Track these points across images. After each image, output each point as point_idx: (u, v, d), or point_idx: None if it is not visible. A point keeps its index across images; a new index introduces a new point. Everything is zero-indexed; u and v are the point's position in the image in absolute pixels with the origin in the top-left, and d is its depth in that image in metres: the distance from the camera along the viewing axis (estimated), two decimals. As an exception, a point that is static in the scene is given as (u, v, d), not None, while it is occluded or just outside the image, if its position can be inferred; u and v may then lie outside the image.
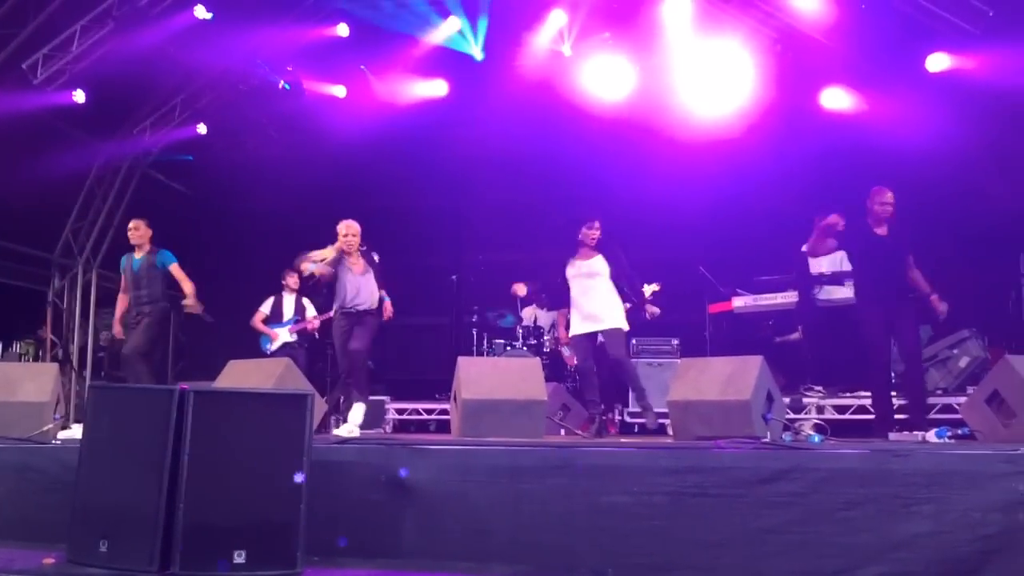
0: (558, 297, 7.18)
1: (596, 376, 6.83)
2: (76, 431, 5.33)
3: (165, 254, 7.46)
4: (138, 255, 7.48)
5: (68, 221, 11.06)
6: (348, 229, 6.73)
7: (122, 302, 7.56)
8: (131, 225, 7.57)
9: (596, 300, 6.70)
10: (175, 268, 7.39)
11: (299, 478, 3.63)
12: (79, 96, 9.47)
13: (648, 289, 8.35)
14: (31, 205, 9.58)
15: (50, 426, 5.42)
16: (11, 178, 8.62)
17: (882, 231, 6.51)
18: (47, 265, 11.05)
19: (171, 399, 3.61)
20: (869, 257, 6.56)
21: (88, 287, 11.34)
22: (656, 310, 7.34)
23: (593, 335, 6.77)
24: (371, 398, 8.68)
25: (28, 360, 10.74)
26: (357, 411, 6.38)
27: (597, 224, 6.91)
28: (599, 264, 6.80)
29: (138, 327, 7.27)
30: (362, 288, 6.66)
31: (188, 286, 7.37)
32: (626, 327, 6.74)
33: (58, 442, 5.11)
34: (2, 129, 8.68)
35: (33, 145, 9.25)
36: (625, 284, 6.85)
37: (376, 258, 6.89)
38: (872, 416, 7.12)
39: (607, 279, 6.77)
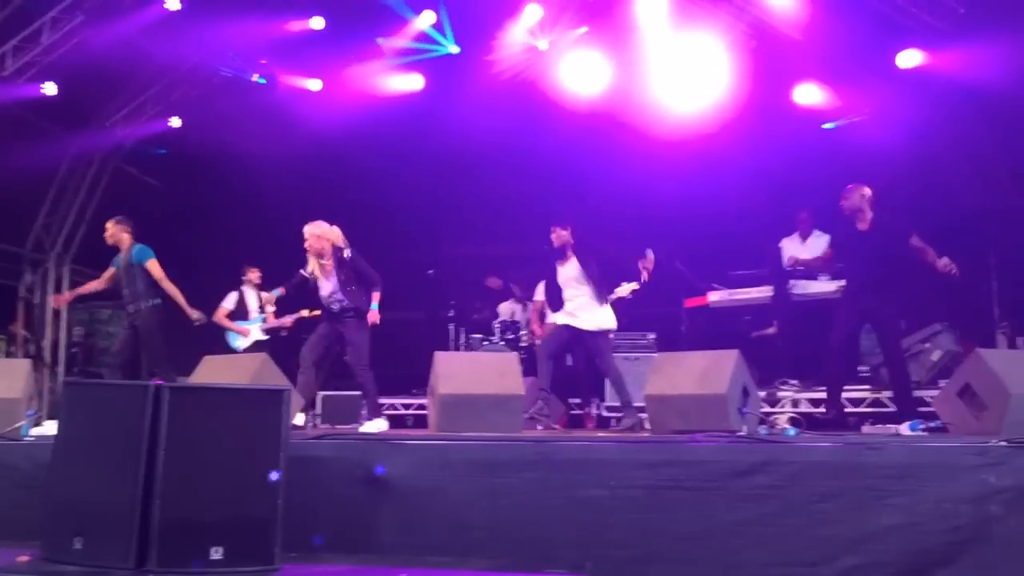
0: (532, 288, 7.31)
1: (553, 368, 6.95)
2: (50, 428, 5.27)
3: (141, 250, 7.38)
4: (122, 254, 7.43)
5: (39, 215, 10.92)
6: (313, 231, 6.78)
7: (93, 285, 7.58)
8: (105, 226, 7.52)
9: (575, 301, 6.92)
10: (151, 264, 7.32)
11: (274, 476, 3.61)
12: (50, 88, 9.35)
13: (627, 288, 8.40)
14: (1, 199, 9.45)
15: (22, 423, 5.35)
16: (-20, 171, 8.51)
17: (863, 226, 6.59)
18: (18, 260, 10.91)
19: (146, 395, 3.58)
20: (849, 252, 6.73)
21: (60, 282, 11.20)
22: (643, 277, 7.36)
23: (571, 329, 6.87)
24: (348, 393, 8.70)
25: (0, 356, 10.61)
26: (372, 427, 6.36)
27: (555, 229, 7.07)
28: (572, 268, 7.00)
29: (136, 339, 7.32)
30: (331, 289, 6.70)
31: (168, 286, 7.37)
32: (606, 325, 6.94)
33: (31, 439, 5.05)
34: (-29, 122, 8.56)
35: (2, 138, 9.11)
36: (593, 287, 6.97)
37: (347, 254, 6.86)
38: (846, 410, 7.24)
39: (583, 281, 6.94)
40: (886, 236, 6.48)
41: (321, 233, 6.73)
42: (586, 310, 6.91)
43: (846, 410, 7.14)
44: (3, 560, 3.58)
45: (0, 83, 9.03)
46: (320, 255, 6.69)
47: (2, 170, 8.69)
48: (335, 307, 6.68)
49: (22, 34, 8.99)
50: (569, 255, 7.05)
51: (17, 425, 5.25)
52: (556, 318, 7.02)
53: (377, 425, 6.36)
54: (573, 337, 6.97)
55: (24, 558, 3.61)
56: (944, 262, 6.33)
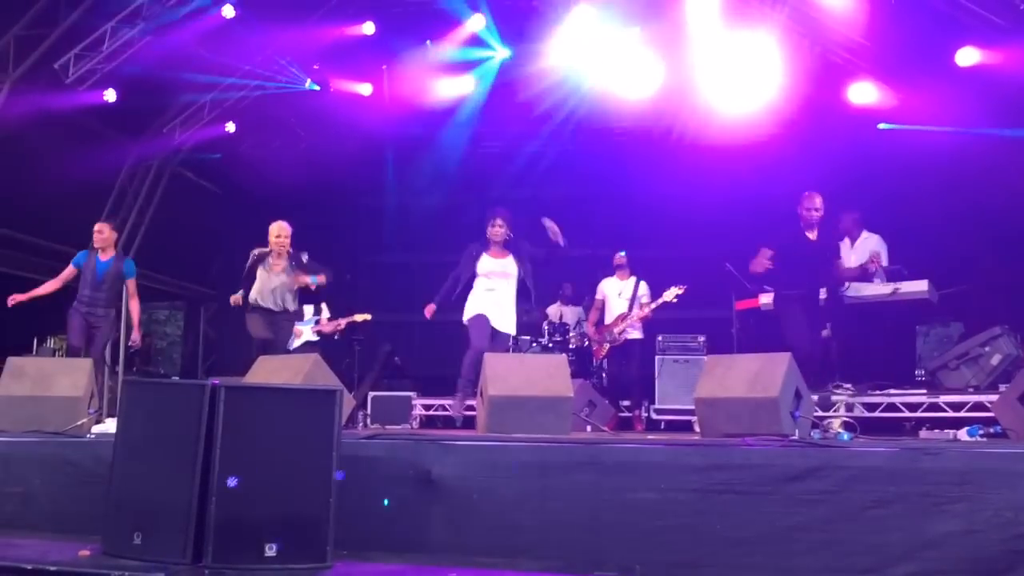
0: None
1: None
2: (110, 425, 5.40)
3: (129, 264, 7.68)
4: (103, 257, 7.65)
5: (100, 218, 11.19)
6: (280, 231, 7.01)
7: (49, 286, 7.81)
8: (96, 228, 7.77)
9: (498, 300, 6.98)
10: (131, 283, 7.74)
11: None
12: (110, 95, 9.61)
13: (671, 293, 8.36)
14: (64, 203, 9.73)
15: (84, 420, 5.50)
16: (44, 176, 8.77)
17: (812, 235, 7.03)
18: (80, 262, 11.19)
19: (203, 394, 3.66)
20: (797, 258, 7.06)
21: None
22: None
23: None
24: (398, 394, 8.79)
25: (62, 355, 10.90)
26: None
27: (499, 221, 7.09)
28: (509, 265, 7.05)
29: (95, 336, 7.60)
30: (276, 289, 7.12)
31: (135, 307, 7.80)
32: (513, 331, 7.09)
33: (92, 436, 5.18)
34: (35, 128, 8.83)
35: (65, 144, 9.39)
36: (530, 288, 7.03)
37: (304, 258, 7.16)
38: (902, 414, 7.13)
39: (513, 282, 7.03)
40: (827, 246, 7.09)
41: (289, 233, 7.28)
42: (502, 307, 7.00)
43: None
44: (66, 554, 3.69)
45: (63, 91, 9.30)
46: (280, 254, 7.14)
47: (65, 175, 8.95)
48: (275, 308, 7.14)
49: (83, 43, 9.24)
50: (506, 251, 7.08)
51: (79, 423, 5.39)
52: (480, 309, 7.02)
53: None
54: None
55: (86, 552, 3.71)
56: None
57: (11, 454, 4.72)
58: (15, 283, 10.36)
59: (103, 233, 7.70)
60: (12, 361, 5.81)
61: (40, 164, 8.89)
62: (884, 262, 7.98)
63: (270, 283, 7.15)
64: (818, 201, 7.03)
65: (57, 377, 5.69)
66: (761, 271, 7.26)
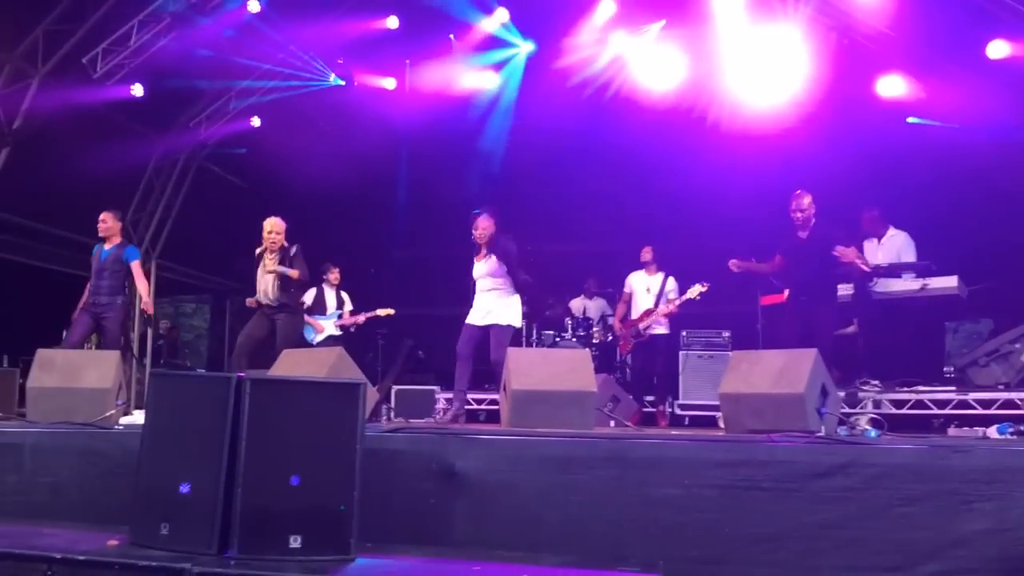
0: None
1: (471, 366, 6.92)
2: (138, 417, 5.46)
3: (131, 249, 7.72)
4: (107, 246, 7.70)
5: (128, 212, 11.32)
6: (272, 227, 7.13)
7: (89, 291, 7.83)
8: (100, 217, 7.80)
9: (486, 300, 6.89)
10: (135, 265, 7.65)
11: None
12: (137, 90, 9.70)
13: (695, 290, 8.31)
14: (93, 197, 9.82)
15: (112, 412, 5.56)
16: (72, 169, 8.86)
17: (803, 234, 7.05)
18: (108, 255, 11.32)
19: (229, 387, 3.68)
20: (790, 258, 7.17)
21: (148, 277, 11.57)
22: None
23: (482, 328, 6.86)
24: (421, 387, 8.81)
25: (90, 347, 11.02)
26: None
27: (476, 223, 7.07)
28: (490, 265, 6.94)
29: (105, 327, 7.63)
30: (268, 283, 7.28)
31: (143, 285, 7.78)
32: (516, 323, 6.92)
33: (120, 427, 5.24)
34: (64, 122, 8.92)
35: (93, 138, 9.49)
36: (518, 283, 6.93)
37: (293, 251, 7.25)
38: (930, 412, 7.08)
39: (498, 279, 6.90)
40: (817, 244, 6.98)
41: (282, 229, 7.43)
42: (491, 304, 6.91)
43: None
44: (94, 544, 3.73)
45: (91, 85, 9.39)
46: (272, 250, 7.30)
47: (93, 169, 9.04)
48: (272, 303, 7.28)
49: (111, 38, 9.33)
50: (488, 252, 6.99)
51: (107, 414, 5.45)
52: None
53: None
54: (482, 333, 6.89)
55: (114, 542, 3.75)
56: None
57: (40, 445, 4.78)
58: (43, 276, 10.53)
59: (106, 223, 7.76)
60: (41, 353, 5.88)
61: (68, 158, 8.99)
62: (911, 258, 7.89)
63: (264, 279, 7.32)
64: (804, 201, 7.09)
65: (86, 369, 5.76)
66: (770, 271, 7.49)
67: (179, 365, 12.72)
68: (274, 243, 7.32)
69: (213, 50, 9.65)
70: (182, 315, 14.16)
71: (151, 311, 8.24)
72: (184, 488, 3.63)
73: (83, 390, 5.58)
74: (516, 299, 6.93)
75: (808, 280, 7.00)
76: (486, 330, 6.82)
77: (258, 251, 7.56)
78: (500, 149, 11.54)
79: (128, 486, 3.93)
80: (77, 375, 5.68)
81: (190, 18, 9.25)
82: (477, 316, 6.88)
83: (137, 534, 3.74)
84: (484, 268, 6.95)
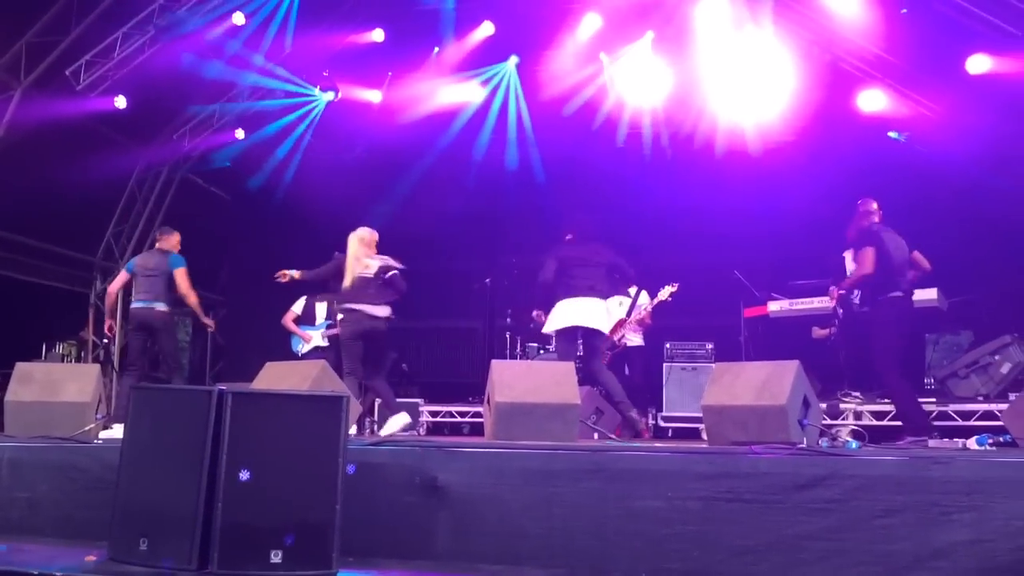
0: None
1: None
2: (117, 431, 5.42)
3: (175, 257, 7.64)
4: (153, 259, 7.68)
5: (110, 224, 11.26)
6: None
7: (115, 286, 7.93)
8: (164, 236, 7.77)
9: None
10: (180, 273, 7.60)
11: (350, 470, 3.69)
12: (120, 102, 9.65)
13: (666, 291, 8.34)
14: (74, 209, 9.79)
15: (92, 426, 5.52)
16: (55, 182, 8.81)
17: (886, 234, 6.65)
18: (90, 267, 11.26)
19: (210, 400, 3.66)
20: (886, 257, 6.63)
21: (129, 289, 11.51)
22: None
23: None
24: (405, 400, 8.78)
25: (70, 361, 10.95)
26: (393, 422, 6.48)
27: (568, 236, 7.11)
28: None
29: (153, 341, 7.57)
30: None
31: (191, 295, 7.66)
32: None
33: (100, 442, 5.19)
34: (46, 134, 8.87)
35: (76, 150, 9.45)
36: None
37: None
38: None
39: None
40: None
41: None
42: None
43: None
44: (72, 560, 3.70)
45: (74, 97, 9.35)
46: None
47: (76, 181, 8.99)
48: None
49: (95, 50, 9.30)
50: None
51: (87, 428, 5.41)
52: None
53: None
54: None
55: (91, 558, 3.72)
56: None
57: (19, 459, 4.74)
58: (24, 288, 10.43)
59: (170, 240, 7.78)
60: (20, 367, 5.84)
61: (50, 170, 8.93)
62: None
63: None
64: (871, 207, 6.86)
65: (65, 383, 5.71)
66: None
67: (160, 378, 12.62)
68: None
69: (198, 62, 9.63)
70: (165, 328, 14.02)
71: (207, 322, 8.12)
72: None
73: (62, 404, 5.55)
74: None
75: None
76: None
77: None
78: (484, 162, 11.56)
79: (107, 501, 3.91)
80: (56, 389, 5.64)
81: (175, 30, 9.23)
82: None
83: (116, 550, 3.71)
84: None
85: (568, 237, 7.17)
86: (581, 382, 6.47)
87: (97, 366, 6.22)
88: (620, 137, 10.73)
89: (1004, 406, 6.43)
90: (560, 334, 7.03)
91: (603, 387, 7.08)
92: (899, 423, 6.73)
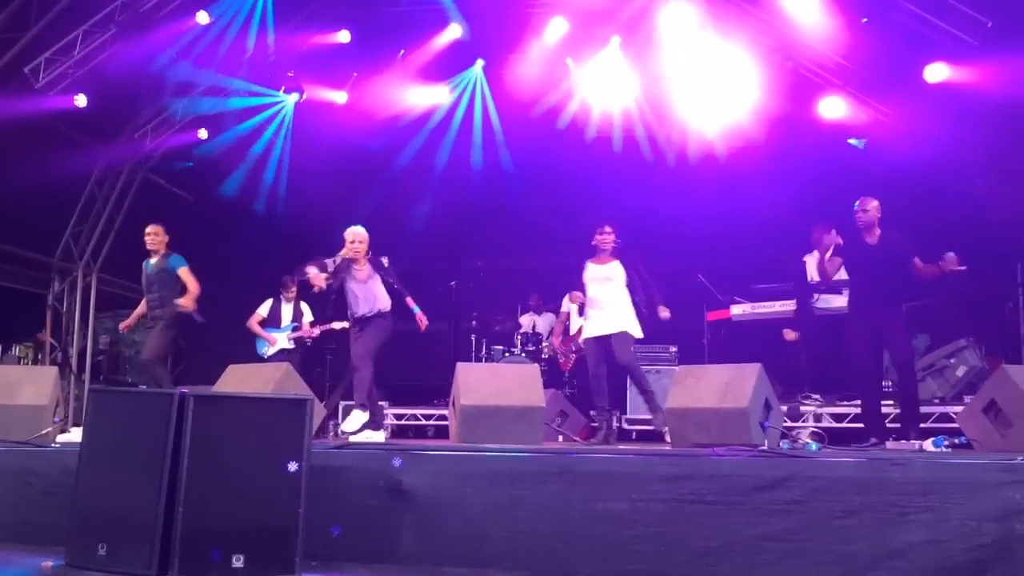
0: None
1: (607, 382, 6.83)
2: (75, 434, 5.34)
3: (175, 258, 7.49)
4: (153, 259, 7.52)
5: (68, 225, 11.07)
6: (355, 236, 6.79)
7: (142, 305, 7.61)
8: (148, 231, 7.61)
9: (608, 305, 6.75)
10: (183, 271, 7.42)
11: (292, 467, 3.65)
12: (81, 100, 9.49)
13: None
14: (32, 208, 9.61)
15: (49, 429, 5.43)
16: (12, 181, 8.64)
17: (872, 240, 6.48)
18: (47, 268, 11.07)
19: (171, 403, 3.63)
20: (857, 266, 6.55)
21: (88, 291, 11.35)
22: (667, 313, 7.23)
23: (605, 339, 6.75)
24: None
25: (27, 363, 10.75)
26: (354, 418, 6.37)
27: (608, 229, 6.97)
28: (614, 270, 6.85)
29: (152, 332, 7.32)
30: (366, 295, 6.70)
31: (192, 285, 7.39)
32: (638, 333, 6.77)
33: (57, 445, 5.12)
34: (3, 133, 8.70)
35: (34, 148, 9.27)
36: (640, 294, 6.85)
37: (385, 262, 6.93)
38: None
39: (621, 285, 6.81)
40: (888, 250, 6.38)
41: (365, 238, 6.84)
42: (613, 311, 6.84)
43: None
44: (28, 566, 3.64)
45: (33, 95, 9.17)
46: (355, 259, 6.76)
47: (33, 180, 8.82)
48: (367, 314, 6.70)
49: (55, 47, 9.13)
50: (612, 257, 6.96)
51: (44, 431, 5.32)
52: (587, 331, 6.91)
53: (356, 417, 6.39)
54: (605, 345, 6.82)
55: (48, 564, 3.66)
56: (950, 257, 6.16)
57: (-26, 463, 4.65)
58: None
59: (157, 236, 7.55)
60: (-25, 369, 5.73)
61: (8, 169, 8.76)
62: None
63: (357, 291, 6.83)
64: (871, 205, 6.52)
65: (22, 385, 5.62)
66: None
67: (120, 381, 12.43)
68: (357, 252, 6.87)
69: (160, 61, 9.50)
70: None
71: (190, 309, 7.81)
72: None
73: (19, 407, 5.45)
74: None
75: (880, 289, 6.37)
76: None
77: (335, 262, 6.93)
78: (451, 164, 11.56)
79: (65, 506, 3.85)
80: (13, 392, 5.55)
81: (137, 28, 9.09)
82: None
83: (74, 555, 3.66)
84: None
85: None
86: None
87: (55, 368, 6.12)
88: (588, 139, 10.78)
89: (959, 409, 6.55)
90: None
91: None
92: (859, 425, 6.82)
